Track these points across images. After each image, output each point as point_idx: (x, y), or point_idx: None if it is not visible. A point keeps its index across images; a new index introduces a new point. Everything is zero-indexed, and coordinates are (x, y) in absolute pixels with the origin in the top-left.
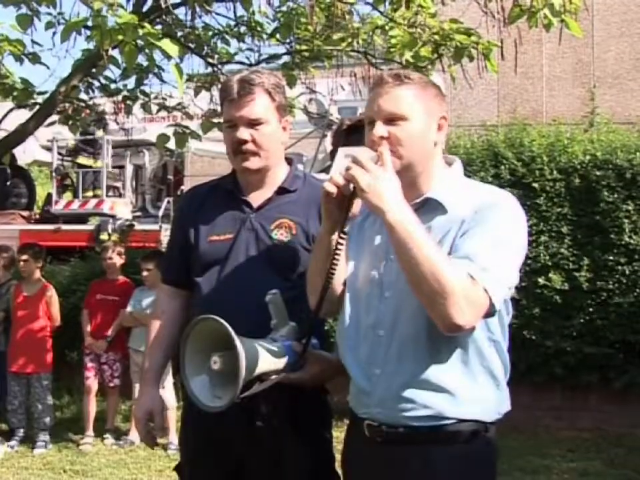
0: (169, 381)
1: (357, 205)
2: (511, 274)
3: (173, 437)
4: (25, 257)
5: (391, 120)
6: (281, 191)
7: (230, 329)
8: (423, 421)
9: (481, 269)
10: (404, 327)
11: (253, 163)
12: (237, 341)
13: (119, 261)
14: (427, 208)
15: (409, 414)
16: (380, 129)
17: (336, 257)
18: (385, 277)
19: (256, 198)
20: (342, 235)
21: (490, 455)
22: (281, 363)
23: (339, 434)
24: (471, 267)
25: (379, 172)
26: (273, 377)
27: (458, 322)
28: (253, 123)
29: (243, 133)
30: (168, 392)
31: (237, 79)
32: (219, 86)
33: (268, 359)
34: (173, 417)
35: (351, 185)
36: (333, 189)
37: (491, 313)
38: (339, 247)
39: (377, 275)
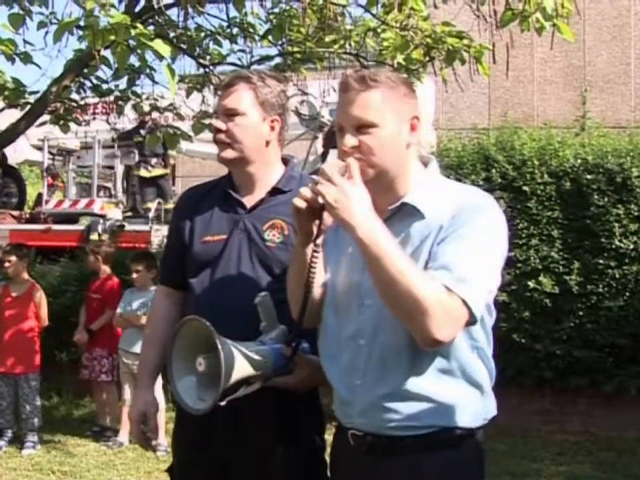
0: (158, 382)
1: (329, 216)
2: (491, 280)
3: (162, 439)
4: (10, 257)
5: (361, 127)
6: (275, 191)
7: (213, 330)
8: (407, 430)
9: (458, 280)
10: (385, 336)
11: (224, 153)
12: (219, 344)
13: (93, 259)
14: (404, 213)
15: (392, 424)
16: (350, 139)
17: (312, 269)
18: (365, 284)
19: (250, 198)
20: (315, 248)
21: (477, 459)
22: (269, 366)
23: (329, 437)
24: (447, 278)
25: (346, 186)
26: (261, 380)
27: (437, 337)
28: (229, 114)
29: (218, 122)
30: (157, 393)
31: (233, 74)
32: (211, 87)
33: (256, 362)
34: (162, 418)
35: (320, 198)
36: (302, 204)
37: (471, 322)
38: (314, 260)
39: (356, 283)
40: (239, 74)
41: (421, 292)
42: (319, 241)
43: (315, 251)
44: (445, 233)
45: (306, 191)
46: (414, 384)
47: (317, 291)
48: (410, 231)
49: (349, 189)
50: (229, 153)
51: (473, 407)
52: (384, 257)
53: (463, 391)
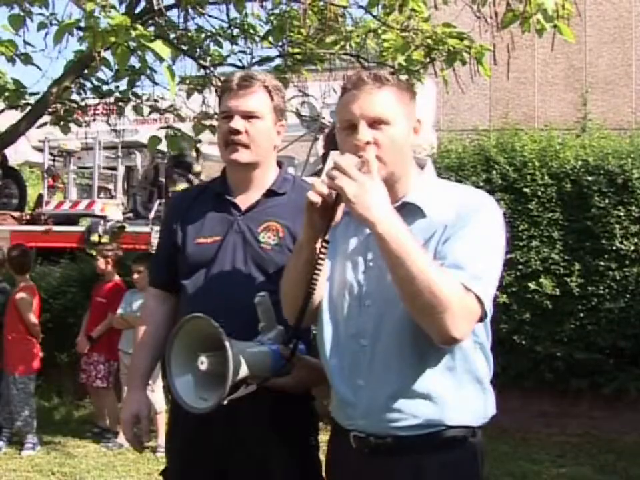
0: (158, 384)
1: (339, 213)
2: (497, 276)
3: (162, 440)
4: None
5: (374, 124)
6: (270, 193)
7: (220, 329)
8: (411, 430)
9: (472, 277)
10: (387, 337)
11: (241, 155)
12: (227, 343)
13: (104, 263)
14: (406, 212)
15: (397, 424)
16: (366, 134)
17: (318, 266)
18: (365, 284)
19: (244, 200)
20: (324, 244)
21: (477, 458)
22: (267, 367)
23: (323, 437)
24: (462, 275)
25: (365, 181)
26: (260, 381)
27: (454, 335)
28: (248, 116)
29: (237, 123)
30: (158, 395)
31: (239, 74)
32: (212, 88)
33: (255, 363)
34: (163, 420)
35: (334, 193)
36: (317, 199)
37: (482, 318)
38: (322, 255)
39: (355, 282)
40: (250, 74)
41: (444, 290)
42: (327, 237)
43: (324, 247)
44: (450, 231)
45: (321, 186)
46: (417, 383)
47: (318, 289)
48: (412, 229)
49: (368, 184)
50: (246, 156)
51: (476, 404)
52: (405, 254)
53: (465, 388)
